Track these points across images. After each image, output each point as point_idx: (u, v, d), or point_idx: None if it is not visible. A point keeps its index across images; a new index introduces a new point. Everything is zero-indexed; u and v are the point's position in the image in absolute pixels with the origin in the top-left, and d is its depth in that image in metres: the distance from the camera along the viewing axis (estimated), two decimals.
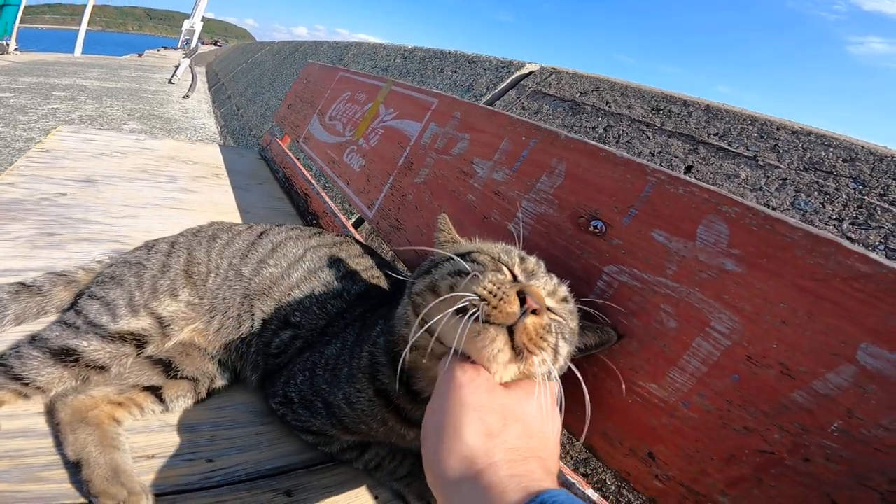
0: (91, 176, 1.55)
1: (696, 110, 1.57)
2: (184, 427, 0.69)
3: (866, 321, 0.46)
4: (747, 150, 1.38)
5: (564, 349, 0.52)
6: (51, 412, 0.65)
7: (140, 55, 13.44)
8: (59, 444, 0.61)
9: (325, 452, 0.68)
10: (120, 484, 0.54)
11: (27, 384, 0.65)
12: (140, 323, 0.74)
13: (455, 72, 2.65)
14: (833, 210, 1.13)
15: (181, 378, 0.72)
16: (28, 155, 1.59)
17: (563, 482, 0.65)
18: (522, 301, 0.46)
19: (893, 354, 0.44)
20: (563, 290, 0.56)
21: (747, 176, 1.32)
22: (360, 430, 0.64)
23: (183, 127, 5.32)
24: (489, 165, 0.85)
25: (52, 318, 0.84)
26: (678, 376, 0.55)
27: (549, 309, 0.51)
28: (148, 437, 0.66)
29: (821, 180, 1.21)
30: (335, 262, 0.85)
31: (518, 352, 0.46)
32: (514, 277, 0.52)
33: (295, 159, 1.87)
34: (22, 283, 0.85)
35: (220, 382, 0.76)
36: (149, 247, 0.89)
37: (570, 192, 0.70)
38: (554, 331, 0.49)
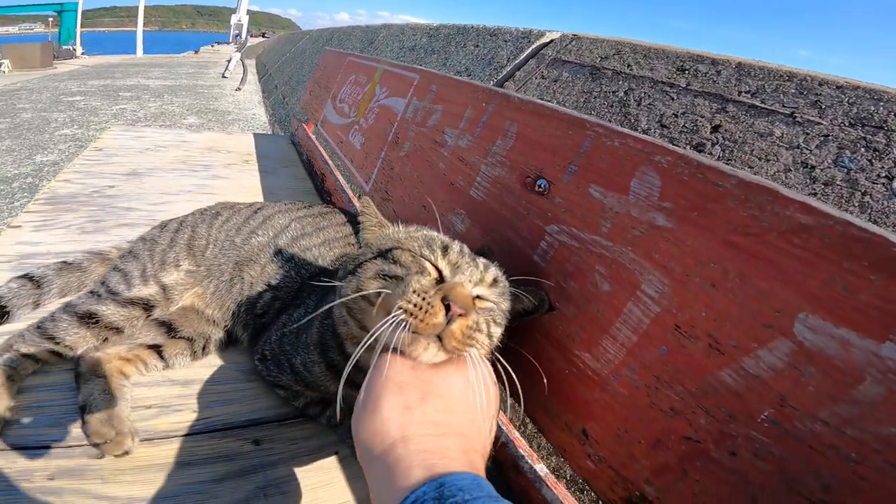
0: (136, 169, 1.73)
1: (725, 69, 1.47)
2: (181, 382, 0.79)
3: (806, 285, 0.39)
4: (783, 106, 1.28)
5: (497, 331, 0.52)
6: (75, 368, 0.77)
7: (196, 52, 14.28)
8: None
9: (294, 406, 0.75)
10: (110, 426, 0.63)
11: (58, 343, 0.77)
12: (148, 290, 0.85)
13: (477, 45, 2.61)
14: (882, 167, 1.03)
15: (179, 338, 0.82)
16: (84, 154, 1.79)
17: (513, 454, 0.64)
18: (448, 307, 0.46)
19: (839, 329, 0.37)
20: (492, 273, 0.55)
21: (783, 133, 1.23)
22: (319, 388, 0.70)
23: (236, 118, 5.64)
24: (456, 133, 0.86)
25: None
26: (610, 346, 0.53)
27: (478, 297, 0.52)
28: (150, 390, 0.76)
29: (869, 136, 1.10)
30: (315, 231, 0.91)
31: (449, 351, 0.47)
32: (440, 272, 0.52)
33: (316, 141, 1.96)
34: (64, 262, 0.99)
35: (215, 342, 0.86)
36: (162, 226, 1.00)
37: (520, 153, 0.70)
38: (484, 320, 0.50)
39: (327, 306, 0.63)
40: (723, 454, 0.43)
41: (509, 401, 0.55)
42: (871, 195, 1.03)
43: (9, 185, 3.12)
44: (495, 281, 0.55)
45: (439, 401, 0.44)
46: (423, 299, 0.46)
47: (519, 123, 0.71)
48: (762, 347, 0.41)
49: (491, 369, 0.50)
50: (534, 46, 2.17)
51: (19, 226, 1.25)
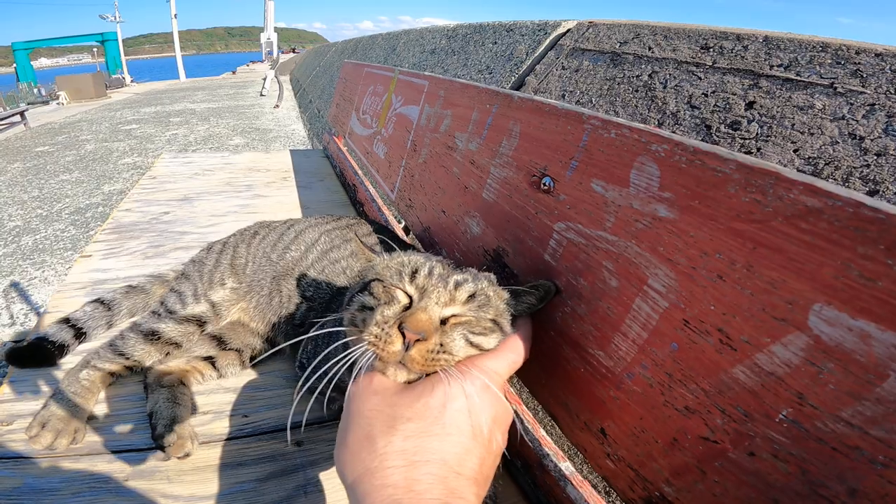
0: (187, 195, 1.88)
1: (752, 43, 1.41)
2: (232, 389, 0.86)
3: (819, 273, 0.37)
4: (821, 78, 1.21)
5: (485, 339, 0.53)
6: (143, 379, 0.87)
7: (234, 72, 15.04)
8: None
9: (331, 409, 0.81)
10: (173, 431, 0.71)
11: (128, 358, 0.88)
12: (200, 308, 0.94)
13: (495, 43, 2.61)
14: None
15: (229, 349, 0.90)
16: (140, 183, 1.97)
17: (538, 453, 0.65)
18: (405, 334, 0.48)
19: (856, 321, 0.35)
20: (467, 289, 0.55)
21: (824, 105, 1.17)
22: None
23: (277, 136, 5.90)
24: (466, 137, 0.88)
25: None
26: (622, 343, 0.53)
27: (454, 315, 0.53)
28: (206, 398, 0.84)
29: None
30: (343, 243, 0.97)
31: (418, 373, 0.49)
32: (410, 298, 0.54)
33: (346, 153, 2.04)
34: (130, 286, 1.11)
35: (261, 352, 0.93)
36: (209, 247, 1.10)
37: (525, 152, 0.71)
38: (460, 335, 0.51)
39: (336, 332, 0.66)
40: (741, 455, 0.42)
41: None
42: None
43: (83, 216, 3.46)
44: (472, 296, 0.55)
45: (410, 425, 0.43)
46: (383, 329, 0.49)
47: (521, 122, 0.73)
48: (776, 342, 0.39)
49: (491, 378, 0.49)
50: (551, 38, 2.15)
51: (90, 255, 1.40)
